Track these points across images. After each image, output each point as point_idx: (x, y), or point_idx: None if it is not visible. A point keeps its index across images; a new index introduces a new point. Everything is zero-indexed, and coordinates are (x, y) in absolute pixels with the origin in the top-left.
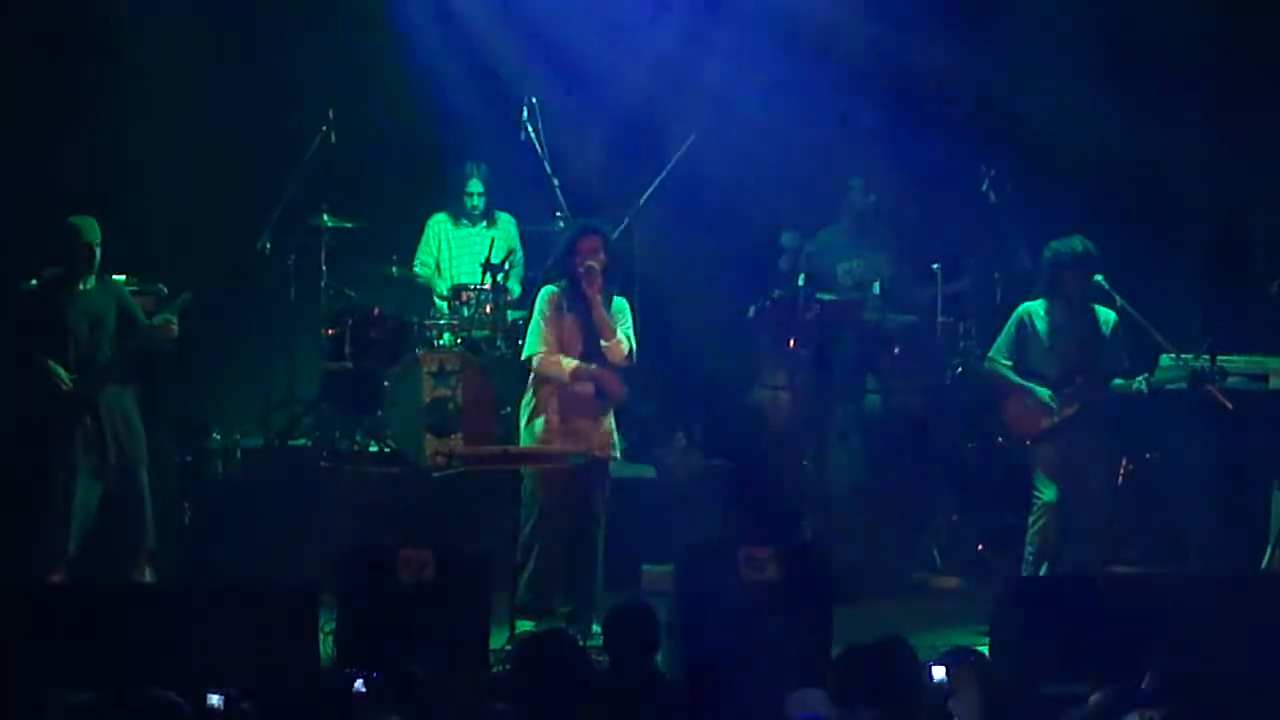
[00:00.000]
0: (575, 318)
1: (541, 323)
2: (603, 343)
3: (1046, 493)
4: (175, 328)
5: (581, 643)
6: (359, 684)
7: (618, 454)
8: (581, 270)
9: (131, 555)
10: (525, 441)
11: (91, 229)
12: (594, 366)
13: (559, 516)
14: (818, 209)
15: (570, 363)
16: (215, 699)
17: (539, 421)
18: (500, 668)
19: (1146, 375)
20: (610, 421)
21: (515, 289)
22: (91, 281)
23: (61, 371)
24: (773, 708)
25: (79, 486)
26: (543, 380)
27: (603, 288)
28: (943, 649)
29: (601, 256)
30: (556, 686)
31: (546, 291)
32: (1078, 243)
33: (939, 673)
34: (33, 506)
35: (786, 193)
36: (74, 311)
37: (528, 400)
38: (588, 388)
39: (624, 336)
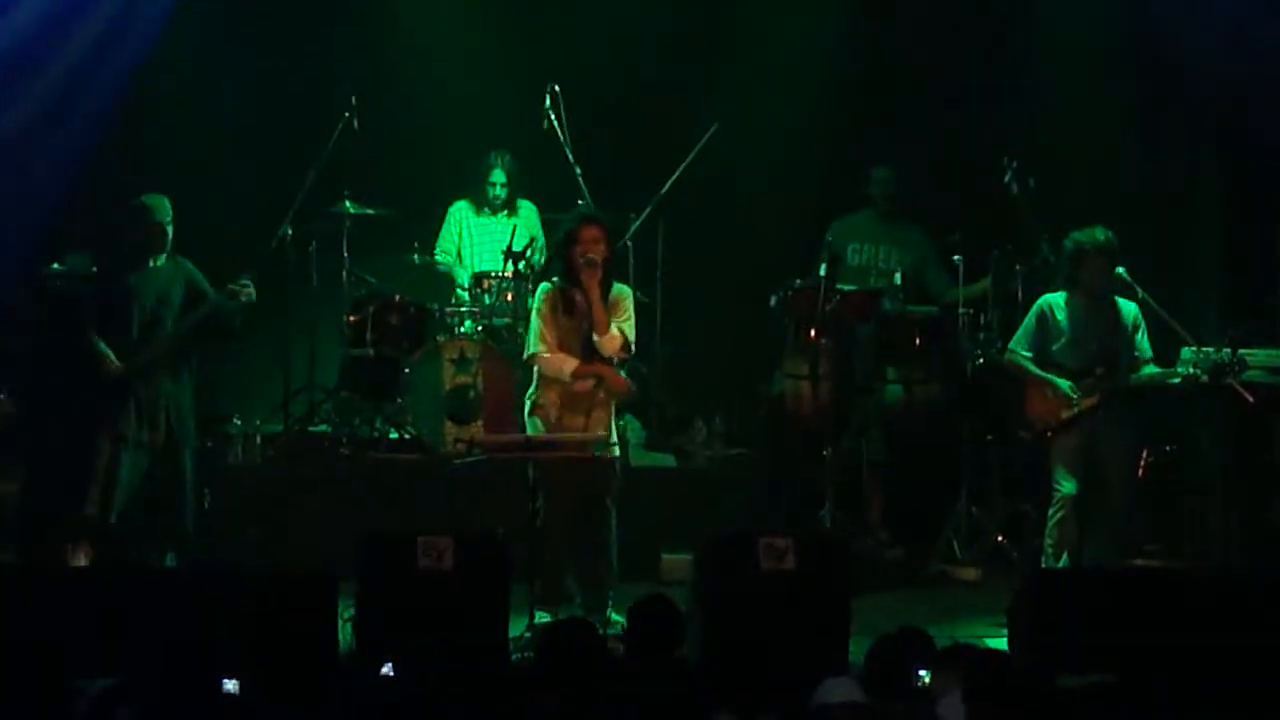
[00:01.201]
0: (572, 314)
1: (540, 322)
2: (595, 338)
3: (1066, 485)
4: (252, 291)
5: (601, 632)
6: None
7: (616, 447)
8: (581, 262)
9: (166, 536)
10: (530, 433)
11: (163, 208)
12: (596, 364)
13: (565, 508)
14: (841, 199)
15: (571, 363)
16: (230, 684)
17: (536, 419)
18: (519, 656)
19: (1181, 369)
20: (608, 417)
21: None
22: (162, 259)
23: (109, 352)
24: (790, 696)
25: (125, 458)
26: (543, 375)
27: (603, 279)
28: (961, 641)
29: (602, 247)
30: (578, 675)
31: (543, 289)
32: (1099, 233)
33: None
34: (76, 474)
35: (809, 182)
36: (144, 288)
37: (531, 393)
38: (588, 385)
39: (619, 330)
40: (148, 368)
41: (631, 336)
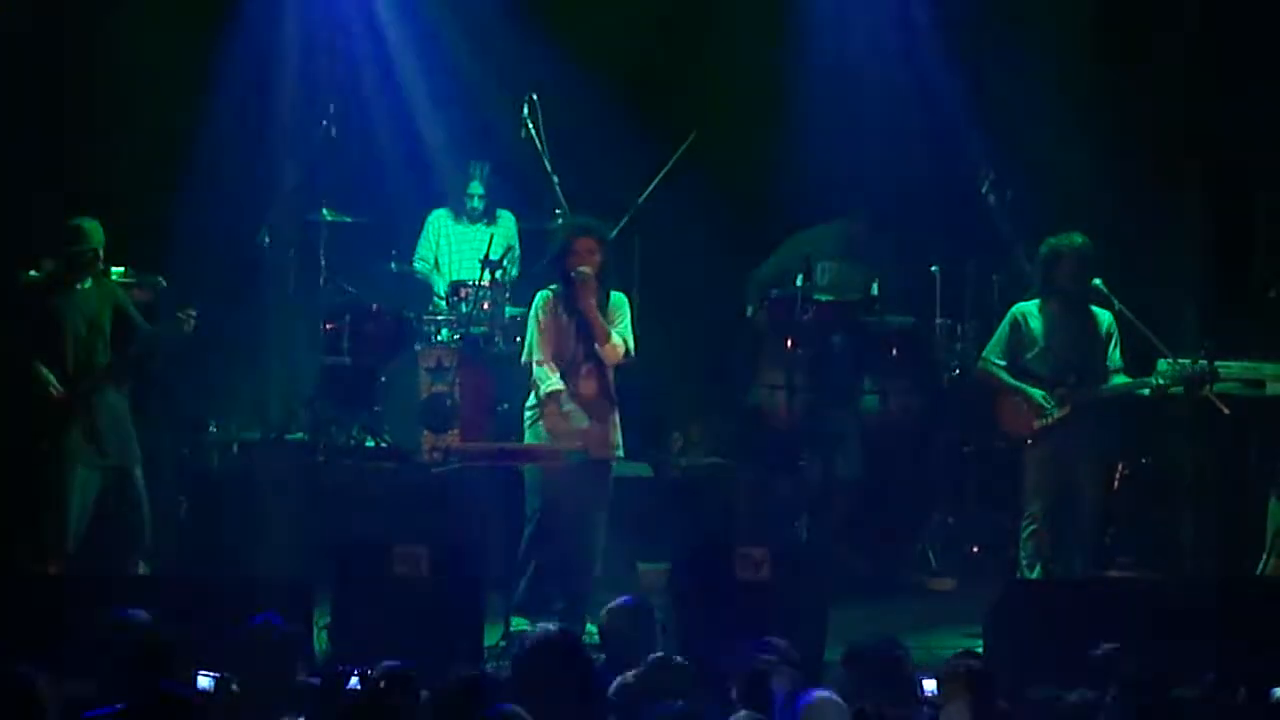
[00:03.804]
0: (571, 321)
1: (536, 330)
2: (597, 346)
3: (1039, 496)
4: (193, 322)
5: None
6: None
7: (620, 454)
8: (574, 275)
9: (128, 554)
10: (530, 441)
11: (97, 233)
12: (570, 389)
13: (558, 515)
14: (820, 207)
15: (551, 386)
16: (206, 680)
17: (540, 426)
18: (494, 664)
19: (1153, 379)
20: (615, 422)
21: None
22: (89, 282)
23: (51, 377)
24: (765, 706)
25: (75, 481)
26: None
27: (597, 289)
28: (936, 650)
29: (597, 258)
30: (558, 684)
31: (541, 297)
32: (1076, 238)
33: (930, 685)
34: (29, 502)
35: (786, 192)
36: (72, 312)
37: (530, 403)
38: (592, 386)
39: (619, 339)
40: (87, 395)
41: (631, 342)
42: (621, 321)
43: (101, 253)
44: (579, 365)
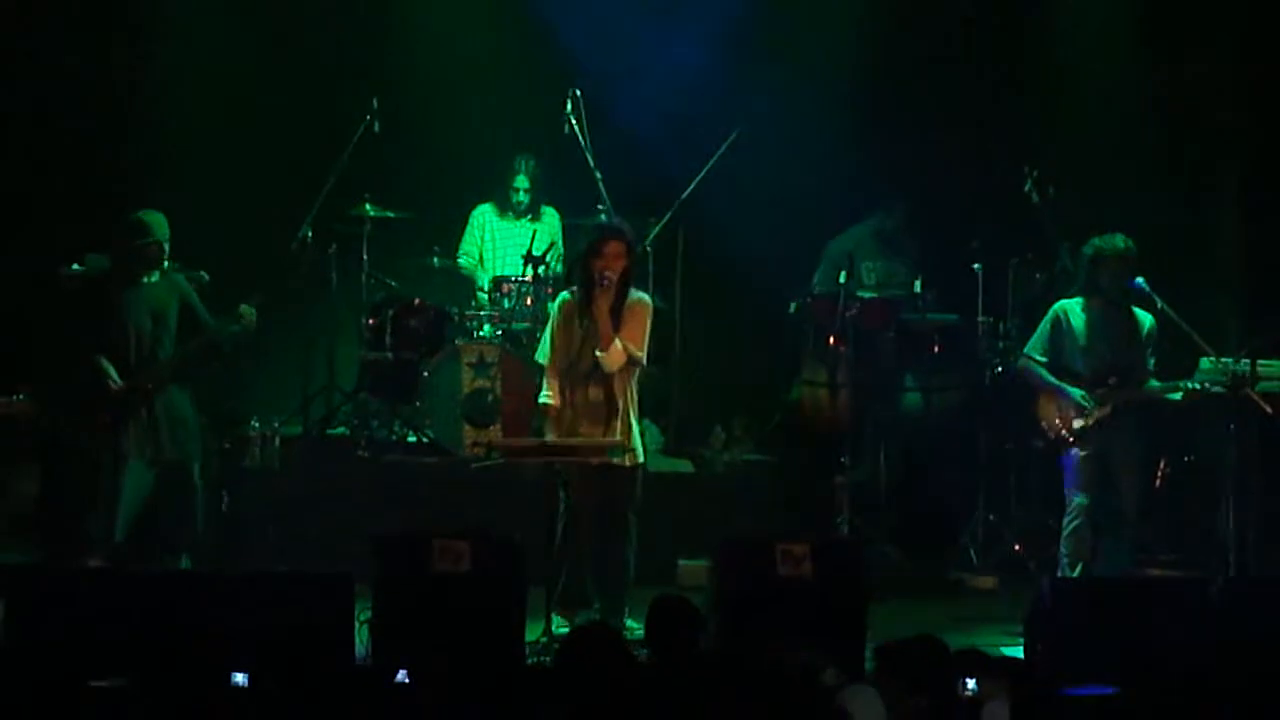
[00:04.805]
0: (586, 325)
1: (550, 331)
2: (597, 352)
3: (1080, 494)
4: (254, 319)
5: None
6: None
7: (641, 458)
8: (596, 278)
9: (177, 549)
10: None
11: (161, 225)
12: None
13: (586, 514)
14: (862, 206)
15: (546, 400)
16: (240, 677)
17: (549, 424)
18: (535, 660)
19: (1185, 383)
20: (623, 426)
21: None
22: (156, 275)
23: (113, 371)
24: (805, 704)
25: (129, 475)
26: (559, 386)
27: (616, 293)
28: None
29: (622, 262)
30: (601, 680)
31: (562, 298)
32: (1119, 240)
33: (970, 683)
34: (80, 493)
35: (831, 189)
36: (136, 306)
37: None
38: (599, 392)
39: (622, 344)
40: (149, 390)
41: (640, 348)
42: (635, 325)
43: (166, 246)
44: (586, 370)
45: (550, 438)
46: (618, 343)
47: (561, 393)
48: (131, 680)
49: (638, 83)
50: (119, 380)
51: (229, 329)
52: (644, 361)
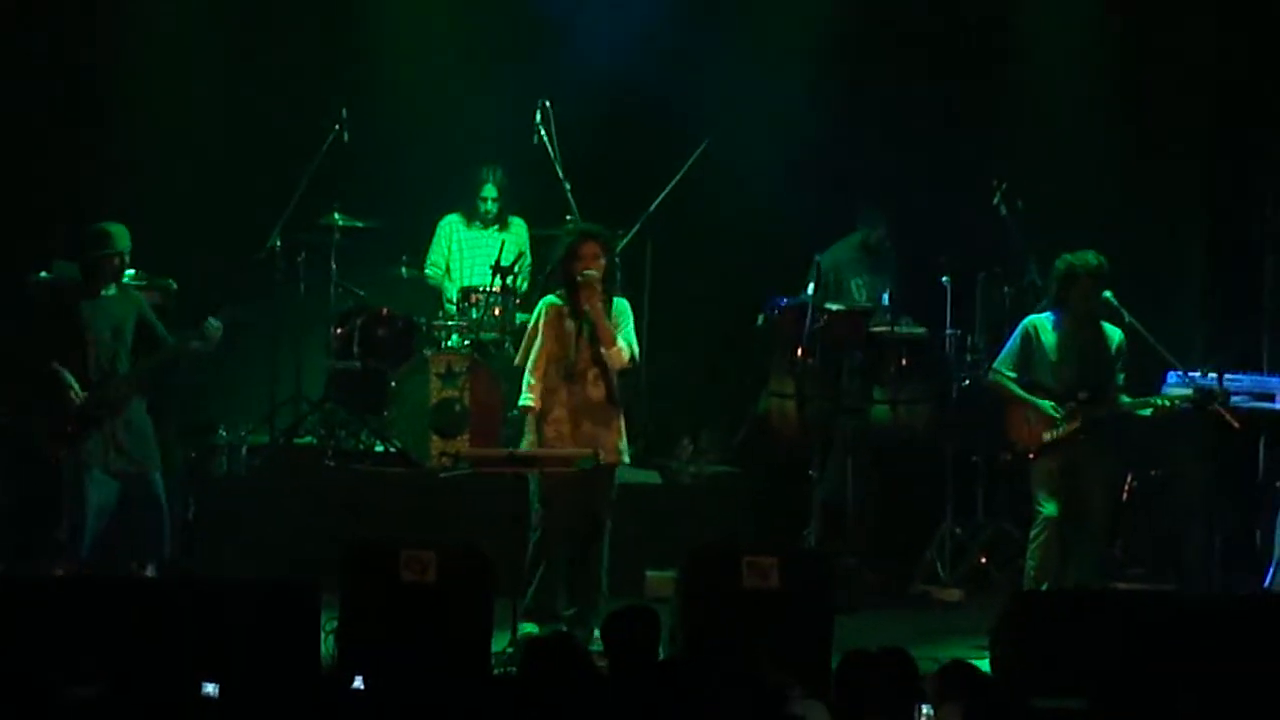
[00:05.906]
0: (577, 326)
1: (535, 336)
2: (603, 350)
3: (1048, 507)
4: (219, 335)
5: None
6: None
7: (626, 459)
8: (580, 279)
9: (142, 558)
10: (529, 442)
11: (123, 237)
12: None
13: (563, 521)
14: (831, 219)
15: (527, 402)
16: (210, 687)
17: (546, 433)
18: (501, 670)
19: (1155, 399)
20: (620, 426)
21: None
22: (113, 289)
23: (72, 381)
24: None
25: (93, 484)
26: (548, 388)
27: (602, 293)
28: (943, 661)
29: (601, 262)
30: (563, 691)
31: (545, 303)
32: (1091, 256)
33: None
34: (44, 505)
35: (798, 202)
36: (97, 318)
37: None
38: (600, 391)
39: (624, 343)
40: (110, 403)
41: (635, 348)
42: (625, 327)
43: (127, 258)
44: (585, 370)
45: (531, 438)
46: (620, 339)
47: (555, 394)
48: (99, 689)
49: (607, 93)
50: (80, 392)
51: (190, 343)
52: (638, 358)
